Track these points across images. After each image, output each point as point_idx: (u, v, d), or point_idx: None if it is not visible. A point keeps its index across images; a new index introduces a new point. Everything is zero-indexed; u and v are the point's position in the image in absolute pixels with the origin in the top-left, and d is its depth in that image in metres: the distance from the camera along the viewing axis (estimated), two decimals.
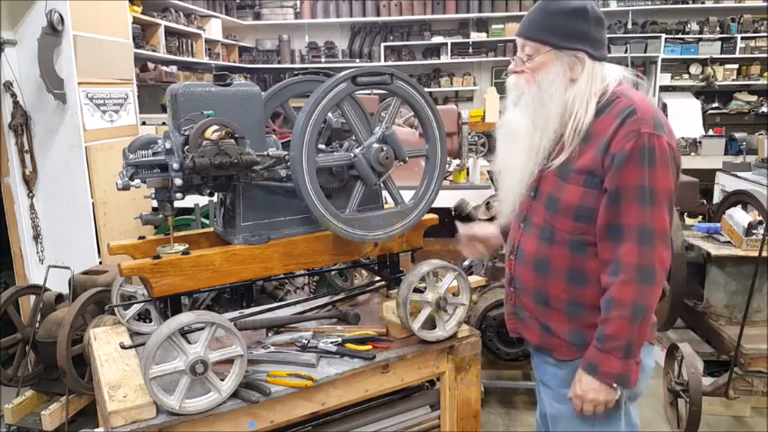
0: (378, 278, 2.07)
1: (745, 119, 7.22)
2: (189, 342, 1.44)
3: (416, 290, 1.73)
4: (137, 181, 1.50)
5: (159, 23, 5.53)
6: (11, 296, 2.95)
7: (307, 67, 7.82)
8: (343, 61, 7.91)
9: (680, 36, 7.44)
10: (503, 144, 1.68)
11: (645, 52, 7.35)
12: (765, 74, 7.38)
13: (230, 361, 1.48)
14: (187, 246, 1.56)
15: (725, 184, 5.25)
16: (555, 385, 1.66)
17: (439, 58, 7.80)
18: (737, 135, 6.43)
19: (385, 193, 1.83)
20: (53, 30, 3.32)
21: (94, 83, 3.66)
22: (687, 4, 7.42)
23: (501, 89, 7.69)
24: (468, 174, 4.24)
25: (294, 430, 1.76)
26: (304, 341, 1.76)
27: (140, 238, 1.72)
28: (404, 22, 7.88)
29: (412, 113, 2.42)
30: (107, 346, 1.81)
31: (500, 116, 1.71)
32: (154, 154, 1.50)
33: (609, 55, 1.59)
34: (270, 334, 1.87)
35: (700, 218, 5.08)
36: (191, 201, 3.05)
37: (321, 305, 2.08)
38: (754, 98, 7.40)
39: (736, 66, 7.44)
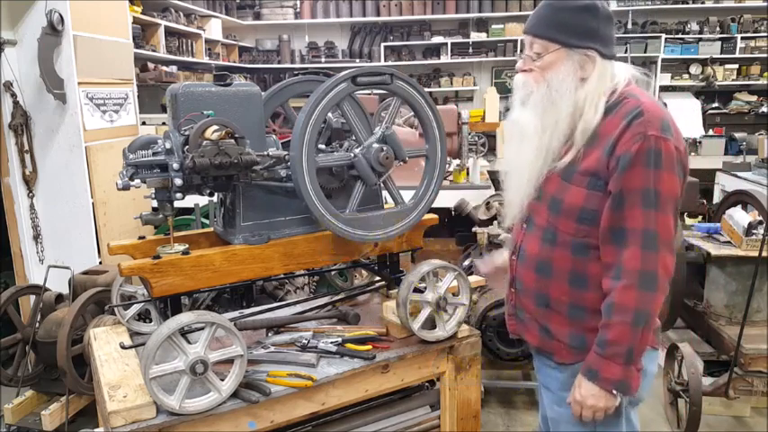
0: (378, 278, 2.07)
1: (745, 119, 7.23)
2: (189, 342, 1.44)
3: (416, 290, 1.73)
4: (137, 181, 1.50)
5: (159, 23, 5.53)
6: (11, 296, 2.95)
7: (307, 67, 7.82)
8: (343, 61, 7.92)
9: (680, 36, 7.44)
10: (510, 144, 1.65)
11: (645, 52, 7.35)
12: (765, 74, 7.38)
13: (230, 361, 1.48)
14: (187, 246, 1.56)
15: (725, 184, 5.24)
16: (555, 388, 1.65)
17: (439, 58, 7.80)
18: (737, 135, 6.43)
19: (385, 193, 1.83)
20: (53, 30, 3.32)
21: (94, 83, 3.66)
22: (687, 4, 7.42)
23: (501, 89, 7.72)
24: (468, 174, 4.24)
25: (294, 430, 1.76)
26: (304, 341, 1.76)
27: (140, 238, 1.72)
28: (404, 22, 7.88)
29: (412, 113, 2.42)
30: (107, 346, 1.81)
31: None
32: (154, 154, 1.50)
33: None
34: (270, 334, 1.87)
35: (700, 218, 5.08)
36: (191, 201, 3.05)
37: (321, 305, 2.08)
38: (754, 98, 7.41)
39: (736, 66, 7.44)
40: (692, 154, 6.44)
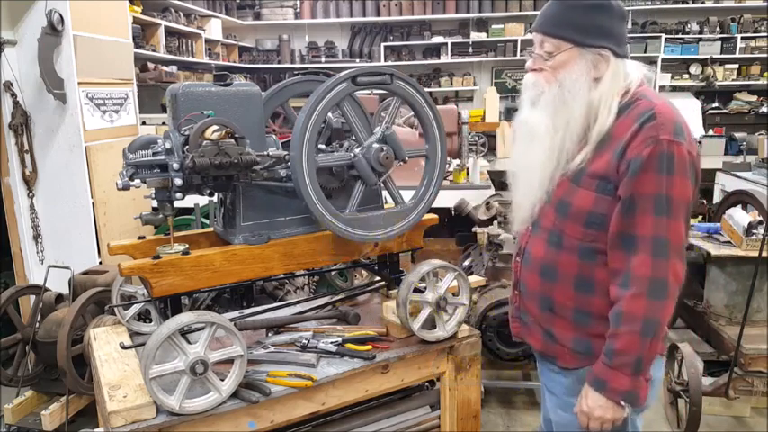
0: (378, 278, 2.07)
1: (745, 119, 7.23)
2: (189, 342, 1.44)
3: (416, 290, 1.73)
4: (137, 181, 1.49)
5: (159, 23, 5.53)
6: (11, 296, 2.95)
7: (307, 67, 7.82)
8: (343, 61, 7.92)
9: (680, 36, 7.44)
10: (519, 145, 1.59)
11: (645, 52, 7.34)
12: (765, 74, 7.38)
13: (230, 361, 1.48)
14: (187, 246, 1.56)
15: (725, 184, 5.24)
16: (560, 393, 1.62)
17: (439, 58, 7.80)
18: (737, 135, 6.43)
19: (385, 193, 1.83)
20: (53, 30, 3.32)
21: (94, 83, 3.66)
22: (687, 4, 7.42)
23: (501, 89, 7.73)
24: (468, 174, 4.24)
25: (294, 430, 1.76)
26: (304, 341, 1.76)
27: (140, 238, 1.72)
28: (404, 22, 7.88)
29: (412, 113, 2.42)
30: (107, 346, 1.81)
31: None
32: (154, 154, 1.50)
33: None
34: (270, 334, 1.87)
35: (700, 218, 5.08)
36: (191, 201, 3.05)
37: (321, 305, 2.08)
38: (754, 98, 7.41)
39: (736, 66, 7.44)
40: None
